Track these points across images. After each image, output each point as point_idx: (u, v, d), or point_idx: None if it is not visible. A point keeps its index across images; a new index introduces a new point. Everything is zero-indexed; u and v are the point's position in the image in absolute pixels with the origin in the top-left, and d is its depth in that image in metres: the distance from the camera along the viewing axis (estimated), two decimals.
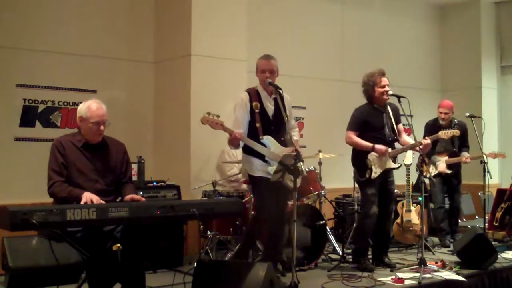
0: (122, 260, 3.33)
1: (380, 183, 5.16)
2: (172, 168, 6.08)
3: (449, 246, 6.23)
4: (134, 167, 5.32)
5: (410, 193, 6.00)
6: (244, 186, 5.73)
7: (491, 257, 5.20)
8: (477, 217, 8.08)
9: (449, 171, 6.37)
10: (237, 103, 4.55)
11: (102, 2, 6.13)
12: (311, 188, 5.57)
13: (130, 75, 6.31)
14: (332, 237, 5.86)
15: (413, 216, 6.03)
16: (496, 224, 6.63)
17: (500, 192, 6.85)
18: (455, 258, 5.42)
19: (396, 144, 5.30)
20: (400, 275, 4.78)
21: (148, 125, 6.42)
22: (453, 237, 6.43)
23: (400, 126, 5.28)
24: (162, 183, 5.64)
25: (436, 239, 6.55)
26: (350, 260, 5.36)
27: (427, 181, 5.43)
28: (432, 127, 6.47)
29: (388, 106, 5.24)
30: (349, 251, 5.64)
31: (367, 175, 5.09)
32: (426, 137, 5.16)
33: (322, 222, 5.39)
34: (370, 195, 5.11)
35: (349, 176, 5.48)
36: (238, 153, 5.30)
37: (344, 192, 6.76)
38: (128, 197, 3.78)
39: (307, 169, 5.39)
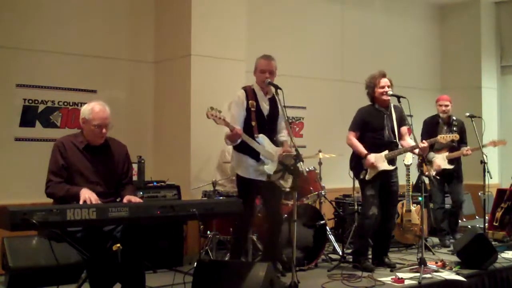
0: (122, 260, 3.33)
1: (383, 184, 5.16)
2: (172, 168, 6.08)
3: (449, 246, 6.23)
4: (134, 167, 5.31)
5: (410, 193, 6.02)
6: None
7: (491, 257, 5.20)
8: (477, 217, 8.08)
9: (449, 166, 6.35)
10: (234, 101, 4.53)
11: (102, 2, 6.13)
12: (311, 188, 5.58)
13: (130, 75, 6.31)
14: (332, 237, 5.87)
15: (413, 216, 6.05)
16: (496, 224, 6.63)
17: (500, 192, 6.85)
18: (455, 258, 5.42)
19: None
20: (400, 275, 4.79)
21: (148, 125, 6.42)
22: (453, 236, 6.42)
23: (404, 128, 5.27)
24: (162, 183, 5.64)
25: (436, 239, 6.55)
26: (350, 260, 5.35)
27: (427, 181, 5.44)
28: (430, 125, 6.48)
29: (393, 108, 5.26)
30: (349, 251, 5.64)
31: (361, 176, 5.13)
32: (424, 141, 5.16)
33: (322, 222, 5.40)
34: (369, 196, 5.12)
35: (349, 176, 5.49)
36: None
37: (344, 192, 6.77)
38: (126, 198, 3.78)
39: (307, 169, 5.40)
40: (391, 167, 5.14)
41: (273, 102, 4.59)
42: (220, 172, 5.89)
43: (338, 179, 6.64)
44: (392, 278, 4.73)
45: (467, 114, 6.25)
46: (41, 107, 5.69)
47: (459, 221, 6.84)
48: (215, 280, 3.90)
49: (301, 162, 4.31)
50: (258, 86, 4.59)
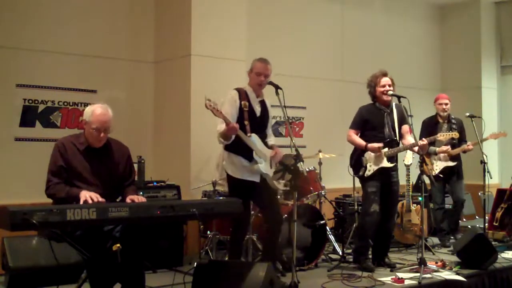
0: (122, 260, 3.33)
1: (384, 184, 5.17)
2: (172, 168, 6.08)
3: (449, 246, 6.23)
4: (134, 167, 5.31)
5: (410, 193, 6.02)
6: None
7: (491, 257, 5.20)
8: (477, 217, 8.08)
9: (451, 163, 6.34)
10: (226, 99, 4.51)
11: (102, 2, 6.13)
12: (311, 188, 5.58)
13: (130, 75, 6.31)
14: (332, 237, 5.87)
15: (413, 216, 6.05)
16: (496, 224, 6.63)
17: (500, 192, 6.85)
18: (455, 258, 5.42)
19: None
20: (400, 275, 4.79)
21: (148, 125, 6.42)
22: (454, 236, 6.42)
23: (405, 127, 5.27)
24: (162, 183, 5.64)
25: (436, 239, 6.55)
26: (350, 260, 5.35)
27: (427, 181, 5.44)
28: (428, 125, 6.48)
29: (394, 107, 5.26)
30: (349, 251, 5.64)
31: (361, 173, 5.14)
32: (423, 138, 5.17)
33: (322, 222, 5.40)
34: (370, 193, 5.12)
35: (349, 176, 5.49)
36: None
37: (344, 192, 6.77)
38: (129, 198, 3.78)
39: (307, 169, 5.40)
40: (390, 164, 5.14)
41: (263, 105, 4.65)
42: (220, 172, 5.88)
43: (338, 179, 6.64)
44: (392, 278, 4.73)
45: (467, 114, 6.25)
46: (41, 107, 5.68)
47: (459, 221, 6.84)
48: (215, 280, 3.90)
49: (301, 162, 4.32)
50: (250, 88, 4.61)
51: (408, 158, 5.65)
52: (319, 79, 7.70)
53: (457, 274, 4.94)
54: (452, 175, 6.43)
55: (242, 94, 4.55)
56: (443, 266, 5.16)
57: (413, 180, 6.45)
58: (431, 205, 6.62)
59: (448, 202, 6.63)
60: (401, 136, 5.27)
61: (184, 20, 5.98)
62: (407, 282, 4.64)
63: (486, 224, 6.47)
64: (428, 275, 4.80)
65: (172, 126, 6.20)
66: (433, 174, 6.14)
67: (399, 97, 5.03)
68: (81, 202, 3.48)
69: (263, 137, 4.60)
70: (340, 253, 5.57)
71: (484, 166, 6.09)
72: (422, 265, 4.82)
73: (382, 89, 5.17)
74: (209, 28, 6.00)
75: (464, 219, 7.74)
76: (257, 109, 4.60)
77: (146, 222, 3.56)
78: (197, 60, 5.91)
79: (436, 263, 5.24)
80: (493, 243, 5.56)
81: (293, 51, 7.38)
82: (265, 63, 4.59)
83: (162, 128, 6.35)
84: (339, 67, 8.00)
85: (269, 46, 6.89)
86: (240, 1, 6.30)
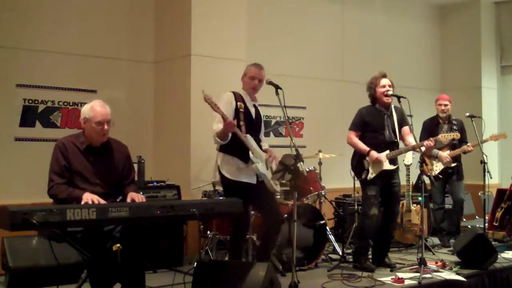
0: (122, 260, 3.33)
1: (384, 185, 5.16)
2: (172, 168, 6.08)
3: (449, 246, 6.23)
4: (134, 167, 5.31)
5: (410, 193, 6.02)
6: None
7: (491, 257, 5.20)
8: (477, 217, 8.08)
9: (452, 164, 6.34)
10: (222, 100, 4.48)
11: (102, 2, 6.13)
12: (311, 188, 5.58)
13: (130, 75, 6.30)
14: (332, 237, 5.87)
15: (413, 216, 6.05)
16: (496, 224, 6.63)
17: (500, 192, 6.85)
18: (455, 258, 5.42)
19: (401, 145, 5.30)
20: (400, 275, 4.79)
21: (148, 125, 6.42)
22: (455, 239, 6.40)
23: (406, 128, 5.27)
24: (162, 183, 5.64)
25: (436, 239, 6.55)
26: (350, 260, 5.35)
27: (427, 181, 5.43)
28: (429, 125, 6.48)
29: (393, 109, 5.26)
30: (349, 251, 5.64)
31: (363, 176, 5.13)
32: (431, 138, 5.16)
33: (322, 222, 5.40)
34: (370, 197, 5.12)
35: (349, 176, 5.49)
36: None
37: (344, 192, 6.77)
38: (129, 196, 3.78)
39: (307, 169, 5.40)
40: (392, 167, 5.14)
41: (257, 109, 4.70)
42: (214, 173, 5.87)
43: (338, 179, 6.64)
44: (392, 278, 4.73)
45: (467, 114, 6.24)
46: (41, 107, 5.68)
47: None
48: (215, 280, 3.90)
49: (301, 162, 4.31)
50: (244, 92, 4.65)
51: (408, 158, 5.65)
52: (319, 79, 7.70)
53: (457, 274, 4.94)
54: (452, 175, 6.42)
55: (238, 96, 4.58)
56: (443, 266, 5.16)
57: (413, 180, 6.45)
58: (431, 205, 6.62)
59: (448, 202, 6.63)
60: (402, 138, 5.27)
61: (184, 20, 5.98)
62: (407, 282, 4.64)
63: (486, 224, 6.47)
64: (428, 275, 4.80)
65: (172, 126, 6.20)
66: (433, 174, 6.14)
67: (399, 98, 5.02)
68: (83, 203, 3.48)
69: (257, 141, 4.61)
70: (340, 253, 5.57)
71: (484, 166, 6.09)
72: (422, 265, 4.82)
73: (382, 89, 5.17)
74: (209, 28, 6.00)
75: (464, 219, 7.74)
76: (253, 111, 4.62)
77: (146, 222, 3.56)
78: (197, 60, 5.91)
79: (436, 263, 5.24)
80: (493, 243, 5.56)
81: (293, 51, 7.37)
82: (259, 68, 4.63)
83: (162, 128, 6.34)
84: (339, 67, 8.00)
85: (269, 46, 6.89)
86: (240, 1, 6.30)
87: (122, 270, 3.55)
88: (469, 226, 6.51)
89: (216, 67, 6.00)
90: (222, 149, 4.53)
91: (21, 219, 2.98)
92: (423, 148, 5.05)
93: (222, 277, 3.90)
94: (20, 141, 5.55)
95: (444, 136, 5.83)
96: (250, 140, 4.46)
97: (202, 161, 5.86)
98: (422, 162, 5.04)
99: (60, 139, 3.85)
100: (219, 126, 4.32)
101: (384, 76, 5.23)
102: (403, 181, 5.59)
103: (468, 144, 6.32)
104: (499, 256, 5.39)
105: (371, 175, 5.10)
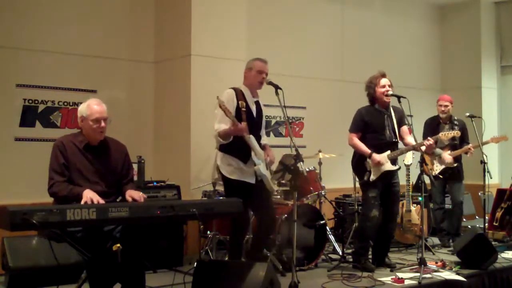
0: (122, 260, 3.33)
1: (385, 185, 5.16)
2: (172, 168, 6.08)
3: (449, 246, 6.22)
4: (134, 167, 5.31)
5: (410, 193, 6.02)
6: None
7: (491, 257, 5.20)
8: (477, 217, 8.08)
9: (453, 165, 6.33)
10: (222, 97, 4.44)
11: (102, 2, 6.13)
12: (311, 188, 5.57)
13: (130, 75, 6.31)
14: (332, 237, 5.87)
15: (413, 216, 6.05)
16: (496, 224, 6.63)
17: (500, 192, 6.85)
18: (455, 258, 5.42)
19: (401, 145, 5.30)
20: (400, 275, 4.79)
21: (148, 125, 6.42)
22: (453, 240, 6.40)
23: (405, 128, 5.26)
24: (162, 183, 5.64)
25: (436, 239, 6.54)
26: (350, 260, 5.35)
27: (427, 181, 5.43)
28: (431, 125, 6.47)
29: (392, 109, 5.26)
30: (349, 251, 5.64)
31: (365, 178, 5.11)
32: (429, 138, 5.14)
33: (322, 222, 5.40)
34: (370, 198, 5.11)
35: (349, 176, 5.50)
36: None
37: (344, 192, 6.77)
38: (128, 193, 3.80)
39: (307, 169, 5.39)
40: (394, 167, 5.14)
41: (258, 105, 4.67)
42: (212, 173, 5.87)
43: (338, 179, 6.64)
44: (392, 278, 4.72)
45: (467, 114, 6.24)
46: (41, 107, 5.68)
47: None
48: (215, 280, 3.90)
49: (301, 162, 4.31)
50: (246, 88, 4.61)
51: (408, 158, 5.65)
52: (319, 79, 7.70)
53: (457, 274, 4.94)
54: (452, 175, 6.42)
55: (239, 93, 4.54)
56: (443, 266, 5.16)
57: (413, 180, 6.45)
58: (431, 205, 6.61)
59: (448, 202, 6.62)
60: (401, 138, 5.27)
61: (184, 20, 5.98)
62: (407, 282, 4.64)
63: (486, 224, 6.46)
64: (428, 275, 4.80)
65: (172, 126, 6.20)
66: (433, 174, 6.14)
67: (399, 97, 5.02)
68: (83, 202, 3.49)
69: (257, 139, 4.59)
70: (340, 253, 5.56)
71: (484, 166, 6.09)
72: (422, 265, 4.82)
73: (382, 89, 5.15)
74: (209, 28, 6.00)
75: (464, 219, 7.74)
76: (254, 110, 4.60)
77: (146, 222, 3.56)
78: (197, 60, 5.91)
79: (436, 263, 5.24)
80: (493, 243, 5.55)
81: (293, 51, 7.38)
82: (264, 62, 4.63)
83: (162, 128, 6.35)
84: (339, 67, 8.00)
85: (269, 46, 6.89)
86: (240, 1, 6.30)
87: (122, 270, 3.55)
88: (469, 226, 6.50)
89: (216, 67, 6.00)
90: (222, 148, 4.53)
91: (21, 219, 2.99)
92: (423, 148, 5.05)
93: (222, 277, 3.90)
94: (20, 141, 5.55)
95: (445, 135, 5.81)
96: (252, 141, 4.46)
97: (202, 161, 5.86)
98: (422, 162, 5.04)
99: (59, 138, 3.86)
100: (221, 125, 4.32)
101: (384, 75, 5.21)
102: (403, 181, 5.59)
103: (470, 145, 6.30)
104: (499, 256, 5.38)
105: (373, 176, 5.08)
